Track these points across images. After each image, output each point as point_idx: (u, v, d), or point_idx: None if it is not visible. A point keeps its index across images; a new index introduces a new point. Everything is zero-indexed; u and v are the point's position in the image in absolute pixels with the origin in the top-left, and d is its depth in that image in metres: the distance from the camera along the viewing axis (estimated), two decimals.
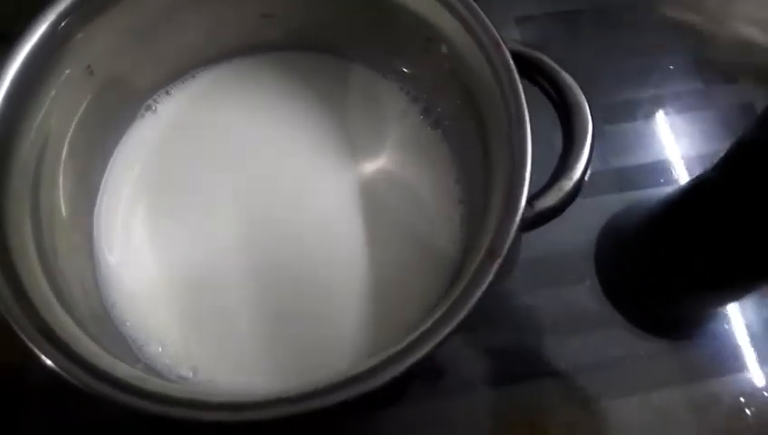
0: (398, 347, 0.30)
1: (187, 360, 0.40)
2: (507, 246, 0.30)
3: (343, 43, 0.46)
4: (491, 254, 0.30)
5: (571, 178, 0.34)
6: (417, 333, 0.30)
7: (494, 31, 0.36)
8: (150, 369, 0.39)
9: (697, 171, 0.50)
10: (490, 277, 0.30)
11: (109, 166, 0.45)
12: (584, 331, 0.46)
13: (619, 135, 0.51)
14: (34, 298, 0.32)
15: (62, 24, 0.36)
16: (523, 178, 0.32)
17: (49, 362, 0.30)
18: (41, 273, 0.35)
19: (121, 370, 0.31)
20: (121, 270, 0.42)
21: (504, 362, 0.45)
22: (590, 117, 0.35)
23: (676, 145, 0.52)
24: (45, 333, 0.31)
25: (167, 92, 0.46)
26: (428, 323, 0.31)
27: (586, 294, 0.46)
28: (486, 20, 0.37)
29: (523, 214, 0.32)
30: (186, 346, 0.40)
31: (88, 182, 0.43)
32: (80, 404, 0.39)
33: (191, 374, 0.39)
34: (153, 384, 0.31)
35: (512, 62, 0.35)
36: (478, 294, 0.30)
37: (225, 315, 0.41)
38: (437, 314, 0.31)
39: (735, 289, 0.47)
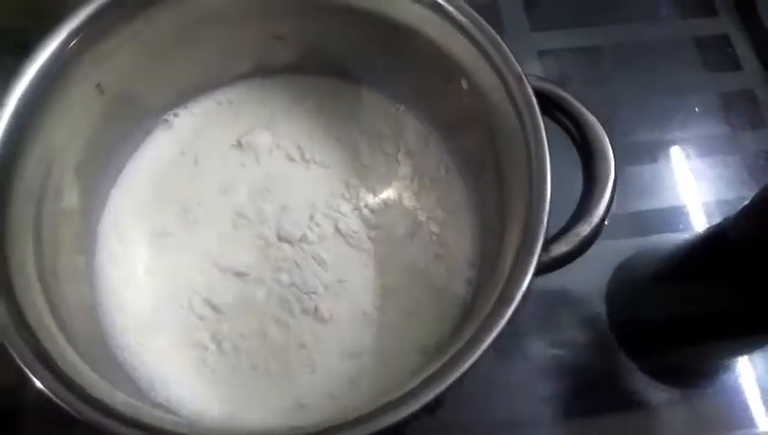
0: (402, 391, 0.29)
1: (183, 387, 0.39)
2: (522, 293, 0.29)
3: (359, 69, 0.46)
4: (504, 300, 0.29)
5: (589, 223, 0.33)
6: (423, 377, 0.29)
7: (517, 65, 0.35)
8: (145, 396, 0.38)
9: (718, 218, 0.48)
10: (502, 324, 0.29)
11: (116, 184, 0.44)
12: (592, 376, 0.44)
13: (639, 177, 0.50)
14: (33, 322, 0.31)
15: (72, 43, 0.35)
16: (540, 225, 0.31)
17: (42, 387, 0.29)
18: (41, 295, 0.34)
19: (117, 398, 0.30)
20: (123, 294, 0.41)
21: (507, 403, 0.43)
22: (612, 161, 0.34)
23: (697, 190, 0.50)
24: (41, 357, 0.30)
25: (177, 114, 0.46)
26: (435, 367, 0.29)
27: (596, 339, 0.45)
28: (509, 53, 0.36)
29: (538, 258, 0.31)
30: (182, 374, 0.39)
31: (94, 201, 0.42)
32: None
33: (188, 402, 0.38)
34: (148, 415, 0.30)
35: (534, 99, 0.35)
36: (489, 340, 0.29)
37: (224, 347, 0.40)
38: (445, 359, 0.30)
39: (749, 340, 0.46)
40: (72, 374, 0.30)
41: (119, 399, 0.30)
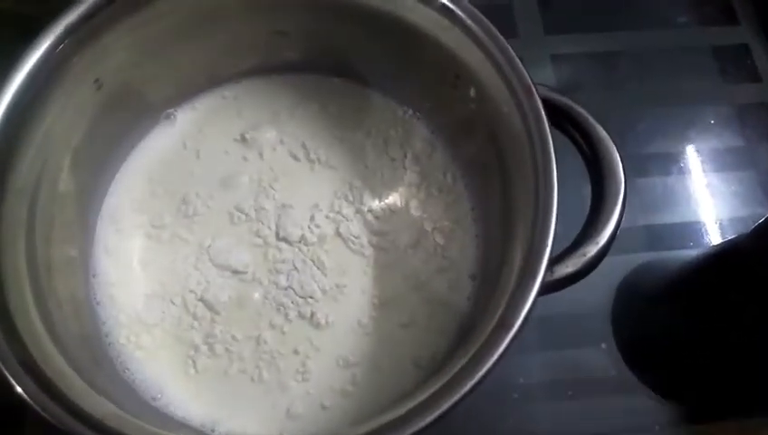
0: (395, 415, 0.28)
1: (170, 389, 0.38)
2: (522, 317, 0.28)
3: (366, 70, 0.44)
4: (504, 324, 0.28)
5: (596, 243, 0.32)
6: (417, 401, 0.28)
7: (527, 75, 0.34)
8: (136, 396, 0.38)
9: (730, 236, 0.47)
10: (501, 349, 0.28)
11: (116, 177, 0.43)
12: (597, 395, 0.43)
13: (650, 189, 0.49)
14: (21, 327, 0.31)
15: (68, 38, 0.34)
16: (544, 247, 0.29)
17: (24, 395, 0.29)
18: (31, 297, 0.33)
19: (103, 409, 0.30)
20: (117, 288, 0.40)
21: (509, 421, 0.42)
22: (623, 180, 0.33)
23: (709, 205, 0.49)
24: (26, 363, 0.29)
25: (180, 108, 0.45)
26: (431, 391, 0.29)
27: (601, 356, 0.44)
28: (519, 63, 0.34)
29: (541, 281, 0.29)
30: (171, 375, 0.39)
31: (92, 193, 0.42)
32: None
33: (173, 398, 0.38)
34: (134, 428, 0.29)
35: (543, 111, 0.33)
36: (487, 366, 0.28)
37: (216, 349, 0.39)
38: (441, 382, 0.29)
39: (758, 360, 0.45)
40: (58, 382, 0.30)
41: (105, 410, 0.30)
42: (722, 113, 0.52)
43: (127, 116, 0.42)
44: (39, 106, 0.34)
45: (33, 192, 0.35)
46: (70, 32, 0.34)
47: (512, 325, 0.28)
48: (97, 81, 0.37)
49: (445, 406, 0.28)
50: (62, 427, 0.28)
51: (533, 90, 0.33)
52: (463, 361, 0.29)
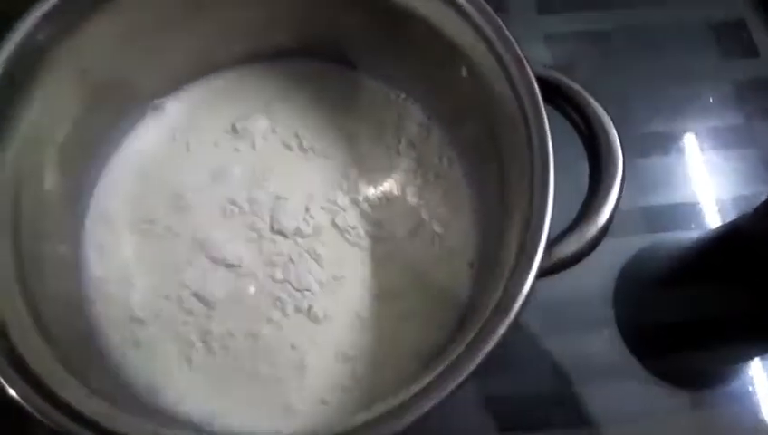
0: (394, 403, 0.28)
1: (166, 386, 0.38)
2: (521, 302, 0.28)
3: (358, 54, 0.44)
4: (501, 310, 0.28)
5: (595, 224, 0.31)
6: (415, 389, 0.28)
7: (518, 49, 0.33)
8: (131, 395, 0.37)
9: (732, 216, 0.46)
10: (499, 334, 0.27)
11: (105, 171, 0.43)
12: (600, 381, 0.43)
13: (649, 170, 0.48)
14: (10, 326, 0.30)
15: (49, 25, 0.33)
16: (541, 227, 0.29)
17: (15, 396, 0.28)
18: (20, 294, 0.32)
19: (95, 407, 0.29)
20: (109, 286, 0.40)
21: (511, 410, 0.42)
22: (621, 158, 0.32)
23: (710, 185, 0.48)
24: (16, 364, 0.29)
25: (169, 99, 0.44)
26: (428, 379, 0.28)
27: (603, 341, 0.43)
28: (510, 36, 0.33)
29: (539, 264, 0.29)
30: (166, 372, 0.38)
31: (80, 188, 0.41)
32: None
33: (169, 396, 0.38)
34: (127, 424, 0.29)
35: (536, 85, 0.32)
36: (486, 351, 0.27)
37: (213, 346, 0.39)
38: (440, 369, 0.28)
39: (762, 343, 0.44)
40: (51, 382, 0.29)
41: (100, 408, 0.29)
42: (720, 90, 0.51)
43: (114, 108, 0.41)
44: (21, 99, 0.33)
45: (18, 189, 0.34)
46: (50, 18, 0.33)
47: (510, 309, 0.28)
48: (82, 70, 0.37)
49: (443, 393, 0.27)
50: (57, 428, 0.28)
51: (525, 63, 0.32)
52: (461, 347, 0.28)
